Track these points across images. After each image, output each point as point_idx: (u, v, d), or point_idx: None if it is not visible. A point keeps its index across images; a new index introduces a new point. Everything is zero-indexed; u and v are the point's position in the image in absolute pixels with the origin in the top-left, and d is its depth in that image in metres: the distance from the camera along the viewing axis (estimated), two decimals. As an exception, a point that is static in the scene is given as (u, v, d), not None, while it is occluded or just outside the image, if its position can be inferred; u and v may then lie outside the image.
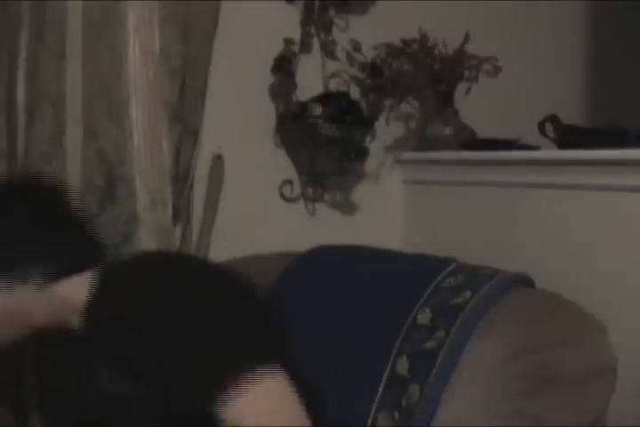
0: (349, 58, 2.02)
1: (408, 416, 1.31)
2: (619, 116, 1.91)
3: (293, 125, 1.97)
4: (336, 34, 2.03)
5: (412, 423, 1.29)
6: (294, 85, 1.99)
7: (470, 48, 1.99)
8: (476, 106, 2.05)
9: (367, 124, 2.00)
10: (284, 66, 1.96)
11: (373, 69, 2.01)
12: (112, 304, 1.16)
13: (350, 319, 1.48)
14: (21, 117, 1.68)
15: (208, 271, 1.23)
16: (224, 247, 1.85)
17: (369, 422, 1.34)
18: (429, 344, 1.38)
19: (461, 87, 2.03)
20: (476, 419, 1.04)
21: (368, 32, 2.03)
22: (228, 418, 1.02)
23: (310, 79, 2.00)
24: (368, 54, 2.01)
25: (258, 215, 1.98)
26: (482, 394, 1.20)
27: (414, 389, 1.32)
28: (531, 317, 1.40)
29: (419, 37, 1.98)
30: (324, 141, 1.95)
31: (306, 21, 2.00)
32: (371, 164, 2.09)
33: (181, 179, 1.84)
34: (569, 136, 1.79)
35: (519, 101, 2.23)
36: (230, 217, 1.92)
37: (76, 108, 1.71)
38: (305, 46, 2.00)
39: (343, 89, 2.03)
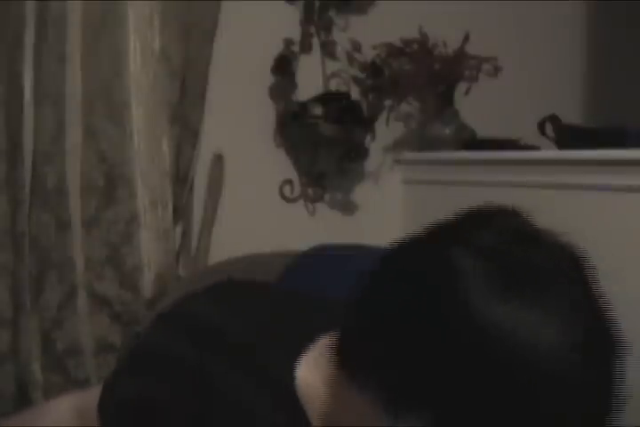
0: (349, 58, 2.02)
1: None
2: (619, 116, 1.91)
3: (293, 125, 1.97)
4: (336, 34, 2.03)
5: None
6: (294, 85, 1.99)
7: (470, 48, 1.99)
8: (476, 106, 2.06)
9: (367, 124, 2.00)
10: (284, 66, 1.96)
11: (373, 69, 2.01)
12: None
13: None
14: (27, 117, 1.68)
15: None
16: (224, 247, 1.85)
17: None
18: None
19: (461, 87, 2.03)
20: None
21: (368, 32, 2.03)
22: None
23: (310, 79, 2.00)
24: (368, 54, 2.01)
25: (258, 215, 1.98)
26: None
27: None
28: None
29: (419, 37, 1.98)
30: (323, 141, 1.95)
31: (306, 21, 2.00)
32: (371, 164, 2.09)
33: (181, 179, 1.85)
34: (569, 136, 1.79)
35: (519, 101, 2.23)
36: (230, 217, 1.92)
37: (76, 108, 1.72)
38: (305, 46, 2.00)
39: (343, 89, 2.03)
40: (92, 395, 0.97)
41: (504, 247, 0.74)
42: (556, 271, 0.74)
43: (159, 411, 0.86)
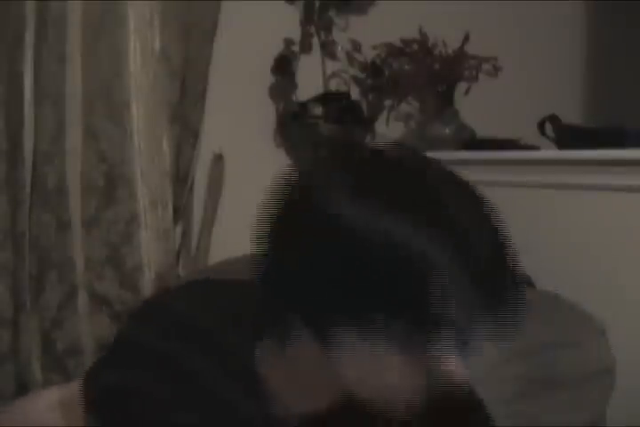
0: (349, 58, 2.02)
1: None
2: (619, 116, 1.91)
3: (293, 125, 1.97)
4: (336, 34, 2.03)
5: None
6: (294, 85, 1.99)
7: (470, 48, 1.99)
8: (476, 106, 2.05)
9: (367, 124, 2.00)
10: (284, 66, 1.96)
11: (373, 69, 2.01)
12: None
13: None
14: (28, 117, 1.68)
15: None
16: (224, 247, 1.85)
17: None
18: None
19: (461, 87, 2.03)
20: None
21: (368, 32, 2.03)
22: None
23: (310, 79, 2.00)
24: (368, 54, 2.01)
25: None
26: (481, 396, 1.20)
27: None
28: (530, 317, 1.40)
29: (419, 37, 1.98)
30: (323, 141, 1.95)
31: (306, 21, 2.00)
32: (371, 164, 2.09)
33: (181, 179, 1.85)
34: (569, 136, 1.79)
35: (519, 101, 2.23)
36: (230, 217, 1.92)
37: (76, 108, 1.72)
38: (305, 46, 2.00)
39: (343, 89, 2.03)
40: (76, 387, 1.02)
41: (363, 167, 0.84)
42: (411, 181, 0.82)
43: (136, 398, 0.93)
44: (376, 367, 0.82)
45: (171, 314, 0.99)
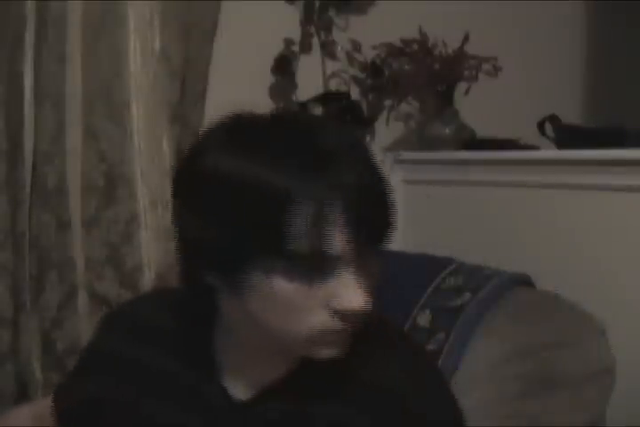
0: (349, 58, 2.02)
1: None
2: (619, 116, 1.91)
3: (293, 125, 1.97)
4: (336, 34, 2.03)
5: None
6: (294, 85, 1.99)
7: (470, 48, 1.99)
8: (476, 106, 2.05)
9: (367, 124, 2.00)
10: (284, 66, 1.96)
11: (373, 69, 2.01)
12: None
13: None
14: (28, 117, 1.68)
15: None
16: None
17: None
18: (429, 347, 1.38)
19: (461, 87, 2.03)
20: (475, 420, 1.04)
21: (368, 32, 2.03)
22: None
23: (310, 79, 2.00)
24: (368, 54, 2.01)
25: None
26: (481, 396, 1.20)
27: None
28: (530, 318, 1.40)
29: (419, 37, 1.98)
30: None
31: (306, 21, 2.00)
32: (371, 164, 2.09)
33: (181, 179, 1.84)
34: (569, 136, 1.79)
35: (519, 101, 2.23)
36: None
37: (76, 108, 1.72)
38: (305, 46, 2.00)
39: (343, 89, 2.03)
40: (49, 402, 1.09)
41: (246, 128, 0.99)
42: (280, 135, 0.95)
43: (106, 404, 0.98)
44: (288, 309, 0.86)
45: (135, 319, 1.04)
